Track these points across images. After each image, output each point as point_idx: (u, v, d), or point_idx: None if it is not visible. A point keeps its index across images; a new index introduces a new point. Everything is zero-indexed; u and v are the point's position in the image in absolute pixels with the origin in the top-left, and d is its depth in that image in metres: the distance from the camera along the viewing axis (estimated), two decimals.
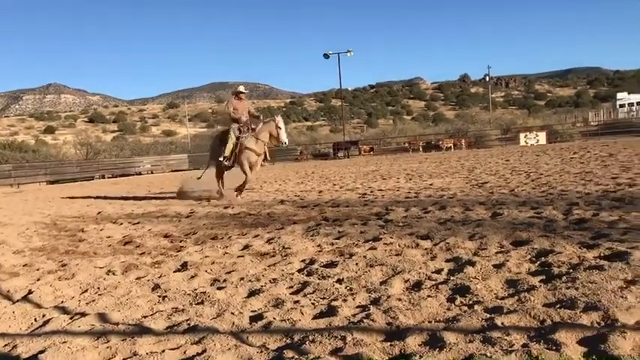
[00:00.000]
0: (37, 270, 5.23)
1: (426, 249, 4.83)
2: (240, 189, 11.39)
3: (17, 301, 4.11)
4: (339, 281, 3.99)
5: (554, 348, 2.49)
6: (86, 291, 4.33)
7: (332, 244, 5.44)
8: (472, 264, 4.08)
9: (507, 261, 4.11)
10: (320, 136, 67.86)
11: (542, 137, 35.99)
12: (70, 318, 3.56)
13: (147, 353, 2.85)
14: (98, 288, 4.37)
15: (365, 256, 4.68)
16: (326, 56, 44.80)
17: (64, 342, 3.05)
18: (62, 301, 4.04)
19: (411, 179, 13.32)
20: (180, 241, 6.37)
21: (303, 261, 4.79)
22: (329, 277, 4.13)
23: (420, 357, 2.51)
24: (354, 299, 3.51)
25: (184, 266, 4.97)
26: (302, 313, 3.30)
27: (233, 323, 3.25)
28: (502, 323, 2.83)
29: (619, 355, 2.36)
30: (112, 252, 6.03)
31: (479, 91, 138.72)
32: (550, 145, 32.74)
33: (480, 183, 10.76)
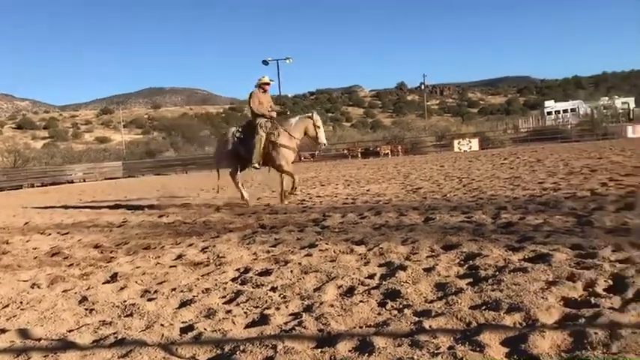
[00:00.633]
0: None
1: (360, 254, 4.88)
2: (291, 192, 10.35)
3: None
4: (273, 289, 3.98)
5: (478, 349, 2.56)
6: (7, 306, 4.13)
7: (268, 251, 5.42)
8: (404, 268, 4.15)
9: (437, 265, 4.21)
10: None
11: (474, 144, 37.17)
12: None
13: None
14: (21, 302, 4.18)
15: (300, 263, 4.68)
16: (265, 63, 44.68)
17: None
18: None
19: (349, 185, 13.46)
20: (111, 252, 6.18)
21: (238, 270, 4.74)
22: (263, 285, 4.11)
23: None
24: (287, 307, 3.50)
25: (114, 277, 4.82)
26: (234, 323, 3.26)
27: (162, 335, 3.17)
28: (430, 326, 2.89)
29: (538, 354, 2.46)
30: (38, 264, 5.78)
31: (415, 99, 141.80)
32: (482, 151, 33.85)
33: (414, 188, 10.99)
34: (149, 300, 4.00)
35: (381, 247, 4.99)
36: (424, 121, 66.84)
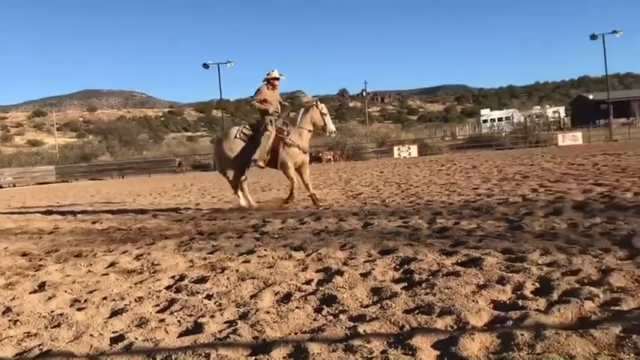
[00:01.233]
0: None
1: (298, 260, 4.88)
2: (286, 200, 9.61)
3: None
4: (209, 297, 3.91)
5: (410, 353, 2.61)
6: None
7: (205, 258, 5.33)
8: (341, 274, 4.17)
9: (374, 269, 4.25)
10: (200, 147, 66.54)
11: (414, 150, 37.99)
12: None
13: None
14: None
15: (237, 270, 4.63)
16: (205, 66, 44.05)
17: None
18: None
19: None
20: (40, 260, 5.92)
21: (173, 277, 4.64)
22: (198, 293, 4.04)
23: None
24: (222, 315, 3.45)
25: (42, 287, 4.62)
26: (167, 332, 3.18)
27: (91, 346, 3.06)
28: (364, 331, 2.92)
29: (467, 357, 2.52)
30: None
31: (357, 106, 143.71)
32: (421, 157, 34.65)
33: (354, 194, 11.10)
34: (79, 310, 3.85)
35: (320, 253, 5.01)
36: (365, 127, 67.72)
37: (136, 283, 4.51)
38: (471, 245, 4.88)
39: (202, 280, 4.44)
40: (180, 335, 3.17)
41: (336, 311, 3.34)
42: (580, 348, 2.48)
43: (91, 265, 5.38)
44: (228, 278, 4.37)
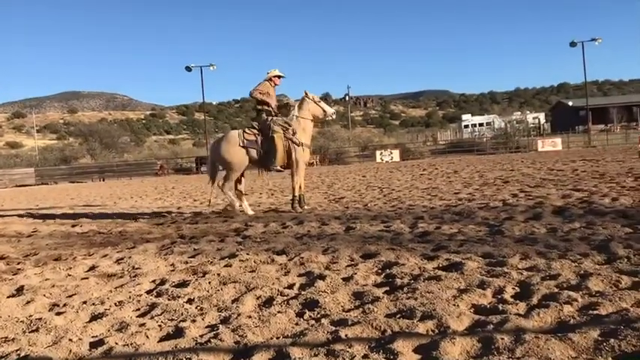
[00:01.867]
0: None
1: (280, 264, 4.87)
2: (293, 199, 9.29)
3: None
4: (190, 301, 3.89)
5: (391, 357, 2.61)
6: None
7: (186, 262, 5.30)
8: (323, 278, 4.17)
9: (356, 274, 4.26)
10: (182, 150, 66.22)
11: (396, 155, 38.21)
12: None
13: None
14: None
15: (219, 274, 4.60)
16: (188, 69, 43.89)
17: None
18: None
19: (272, 194, 13.42)
20: (18, 263, 5.83)
21: (154, 281, 4.60)
22: (179, 297, 4.01)
23: None
24: (203, 319, 3.43)
25: (20, 291, 4.55)
26: (147, 337, 3.15)
27: (70, 351, 3.02)
28: (346, 335, 2.92)
29: None
30: None
31: (339, 110, 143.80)
32: (403, 162, 34.83)
33: (337, 198, 11.12)
34: (57, 314, 3.79)
35: (302, 257, 5.00)
36: (348, 131, 67.91)
37: (116, 287, 4.46)
38: (452, 250, 4.91)
39: (183, 284, 4.41)
40: (161, 340, 3.14)
41: (318, 315, 3.34)
42: (559, 352, 2.51)
43: (70, 268, 5.32)
44: (209, 282, 4.35)
